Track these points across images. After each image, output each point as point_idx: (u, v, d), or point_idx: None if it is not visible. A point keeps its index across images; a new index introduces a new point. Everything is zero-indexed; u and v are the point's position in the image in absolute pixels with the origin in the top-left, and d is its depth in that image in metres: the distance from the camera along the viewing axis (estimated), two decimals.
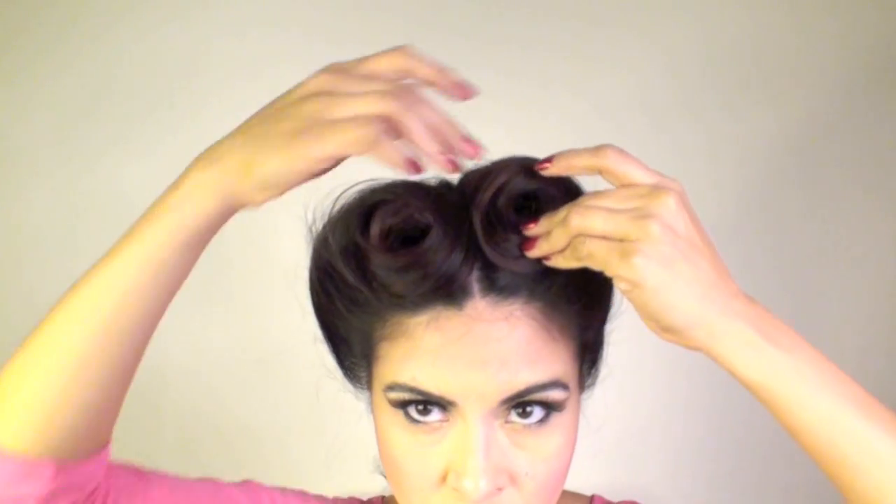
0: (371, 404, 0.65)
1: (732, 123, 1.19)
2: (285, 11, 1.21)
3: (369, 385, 0.65)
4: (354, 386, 0.68)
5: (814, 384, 0.54)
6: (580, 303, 0.61)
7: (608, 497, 0.76)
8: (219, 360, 1.18)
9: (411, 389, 0.58)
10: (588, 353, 0.65)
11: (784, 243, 1.21)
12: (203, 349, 1.16)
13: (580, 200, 0.56)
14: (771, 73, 1.19)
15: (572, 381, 0.61)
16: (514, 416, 0.59)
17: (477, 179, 0.59)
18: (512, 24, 1.19)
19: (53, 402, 0.55)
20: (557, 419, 0.60)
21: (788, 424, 0.55)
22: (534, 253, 0.57)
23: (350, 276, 0.60)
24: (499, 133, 1.13)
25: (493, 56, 1.17)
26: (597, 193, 0.56)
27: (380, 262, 0.58)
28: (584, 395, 0.65)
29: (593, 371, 0.67)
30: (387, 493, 0.77)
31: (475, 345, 0.57)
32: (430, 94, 0.56)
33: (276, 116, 0.55)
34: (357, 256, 0.60)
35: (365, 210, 0.60)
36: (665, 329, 0.54)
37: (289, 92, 0.57)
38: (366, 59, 0.56)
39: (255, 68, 1.20)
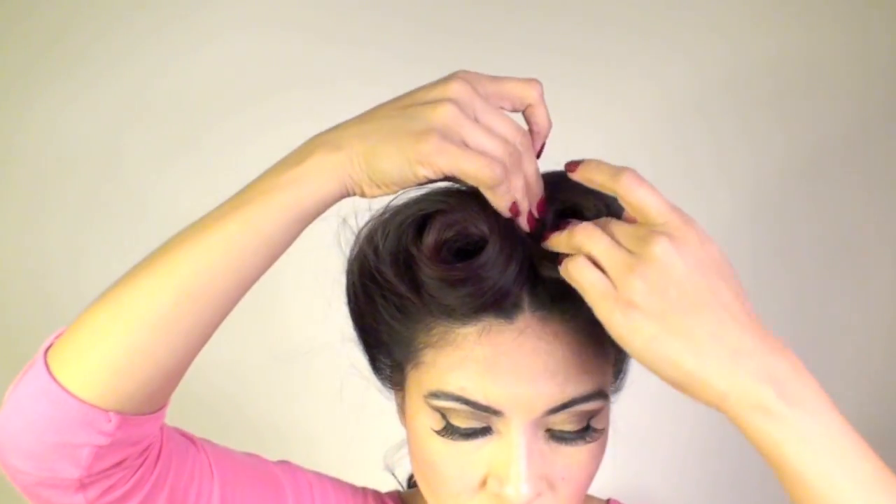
0: (403, 406, 0.65)
1: (747, 133, 1.21)
2: (288, 11, 1.20)
3: (401, 386, 0.64)
4: (385, 386, 0.68)
5: (821, 455, 0.50)
6: None
7: (623, 500, 0.77)
8: (243, 356, 1.18)
9: (458, 399, 0.58)
10: (618, 359, 0.65)
11: (794, 246, 1.23)
12: (228, 345, 1.16)
13: (597, 222, 0.55)
14: (787, 86, 1.21)
15: (609, 390, 0.62)
16: (556, 424, 0.59)
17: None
18: (536, 27, 1.20)
19: (130, 357, 0.54)
20: (594, 426, 0.60)
21: (789, 491, 0.52)
22: (546, 244, 0.57)
23: (400, 285, 0.59)
24: None
25: (515, 58, 1.18)
26: (610, 220, 0.55)
27: (433, 274, 0.57)
28: (612, 400, 0.65)
29: (621, 377, 0.67)
30: (402, 490, 0.78)
31: (524, 357, 0.57)
32: None
33: (406, 115, 0.55)
34: (408, 265, 0.59)
35: (419, 219, 0.59)
36: (666, 382, 0.52)
37: (419, 92, 0.57)
38: (498, 78, 0.58)
39: (256, 66, 1.20)
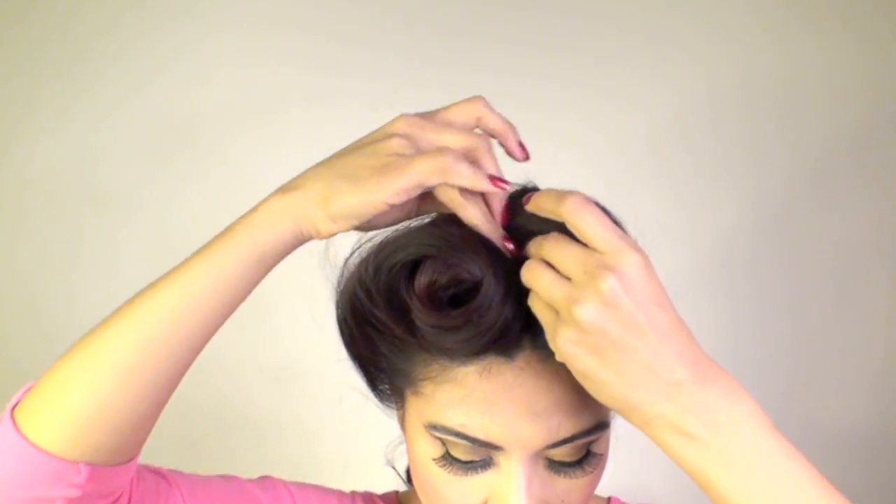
0: (404, 423, 0.64)
1: (755, 139, 1.22)
2: (287, 10, 1.20)
3: (402, 405, 0.64)
4: (384, 404, 0.67)
5: (747, 479, 0.50)
6: None
7: (624, 498, 0.77)
8: (245, 357, 1.19)
9: (457, 434, 0.58)
10: None
11: (797, 252, 1.24)
12: (231, 348, 1.16)
13: (542, 244, 0.54)
14: (795, 93, 1.22)
15: (609, 417, 0.61)
16: (556, 455, 0.59)
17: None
18: (546, 28, 1.20)
19: (97, 408, 0.55)
20: (594, 450, 0.60)
21: None
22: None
23: (396, 328, 0.58)
24: (536, 135, 1.13)
25: (523, 58, 1.19)
26: (557, 241, 0.54)
27: (428, 321, 0.56)
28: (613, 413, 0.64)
29: None
30: (401, 490, 0.78)
31: (526, 395, 0.57)
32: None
33: (359, 153, 0.57)
34: (403, 310, 0.58)
35: (409, 264, 0.58)
36: (604, 404, 0.53)
37: (371, 133, 0.59)
38: (442, 108, 0.59)
39: (255, 65, 1.20)
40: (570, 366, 0.52)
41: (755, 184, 1.23)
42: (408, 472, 0.77)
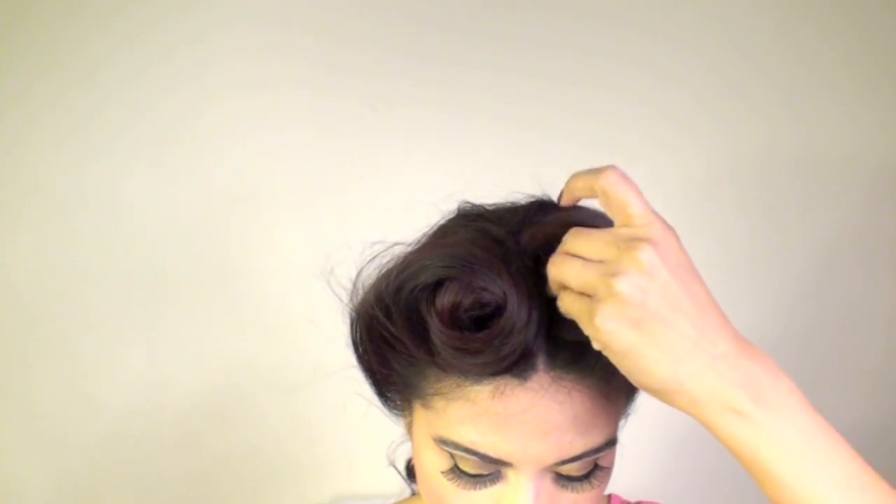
0: (412, 431, 0.64)
1: (756, 134, 1.23)
2: (289, 7, 1.20)
3: (409, 412, 0.64)
4: (391, 411, 0.67)
5: (796, 457, 0.49)
6: None
7: (624, 496, 0.78)
8: (247, 358, 1.19)
9: (468, 450, 0.57)
10: (627, 403, 0.64)
11: (789, 245, 1.24)
12: (242, 365, 1.17)
13: (564, 241, 0.54)
14: (795, 82, 1.23)
15: (617, 435, 0.61)
16: (564, 470, 0.59)
17: (541, 244, 0.57)
18: (545, 25, 1.20)
19: None
20: (601, 464, 0.60)
21: (769, 494, 0.51)
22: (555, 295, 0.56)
23: (415, 350, 0.58)
24: (535, 131, 1.12)
25: (524, 56, 1.19)
26: (579, 232, 0.53)
27: (449, 343, 0.56)
28: (622, 424, 0.64)
29: (631, 401, 0.65)
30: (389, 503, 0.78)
31: (537, 415, 0.56)
32: None
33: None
34: (422, 330, 0.57)
35: (431, 286, 0.57)
36: (643, 389, 0.52)
37: None
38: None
39: (255, 65, 1.19)
40: (610, 347, 0.50)
41: (758, 184, 1.23)
42: (408, 470, 0.77)
